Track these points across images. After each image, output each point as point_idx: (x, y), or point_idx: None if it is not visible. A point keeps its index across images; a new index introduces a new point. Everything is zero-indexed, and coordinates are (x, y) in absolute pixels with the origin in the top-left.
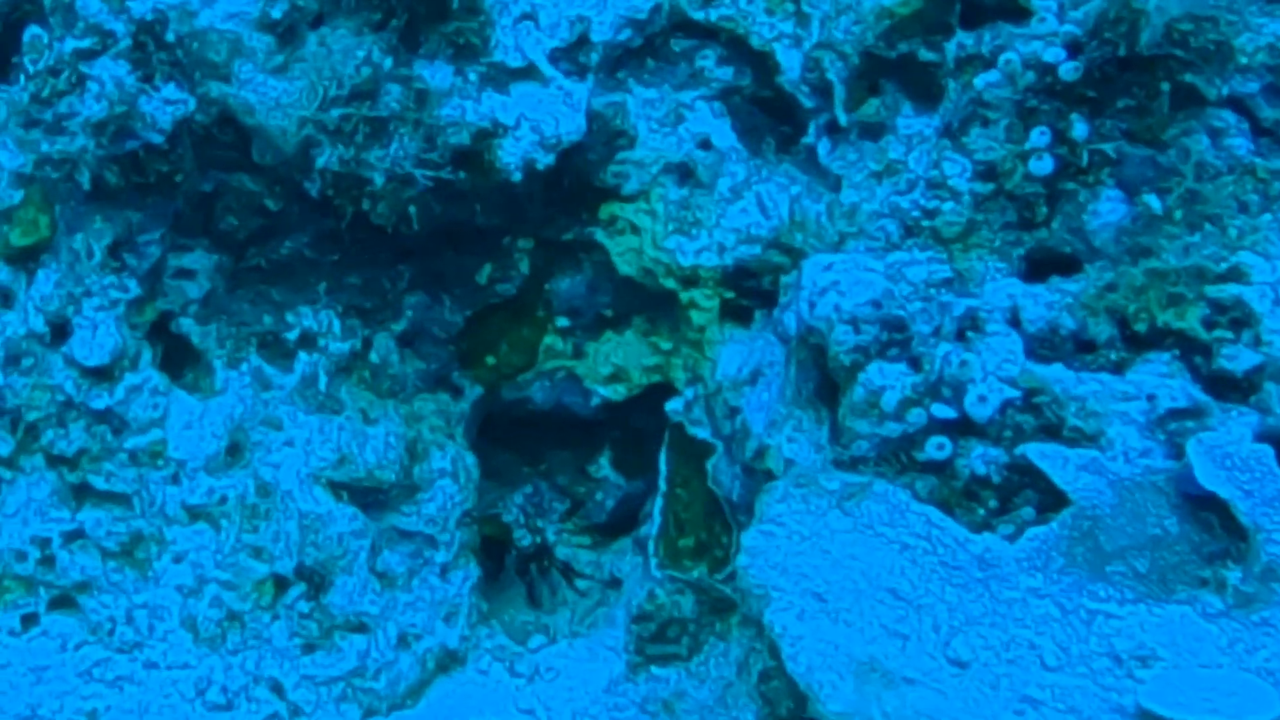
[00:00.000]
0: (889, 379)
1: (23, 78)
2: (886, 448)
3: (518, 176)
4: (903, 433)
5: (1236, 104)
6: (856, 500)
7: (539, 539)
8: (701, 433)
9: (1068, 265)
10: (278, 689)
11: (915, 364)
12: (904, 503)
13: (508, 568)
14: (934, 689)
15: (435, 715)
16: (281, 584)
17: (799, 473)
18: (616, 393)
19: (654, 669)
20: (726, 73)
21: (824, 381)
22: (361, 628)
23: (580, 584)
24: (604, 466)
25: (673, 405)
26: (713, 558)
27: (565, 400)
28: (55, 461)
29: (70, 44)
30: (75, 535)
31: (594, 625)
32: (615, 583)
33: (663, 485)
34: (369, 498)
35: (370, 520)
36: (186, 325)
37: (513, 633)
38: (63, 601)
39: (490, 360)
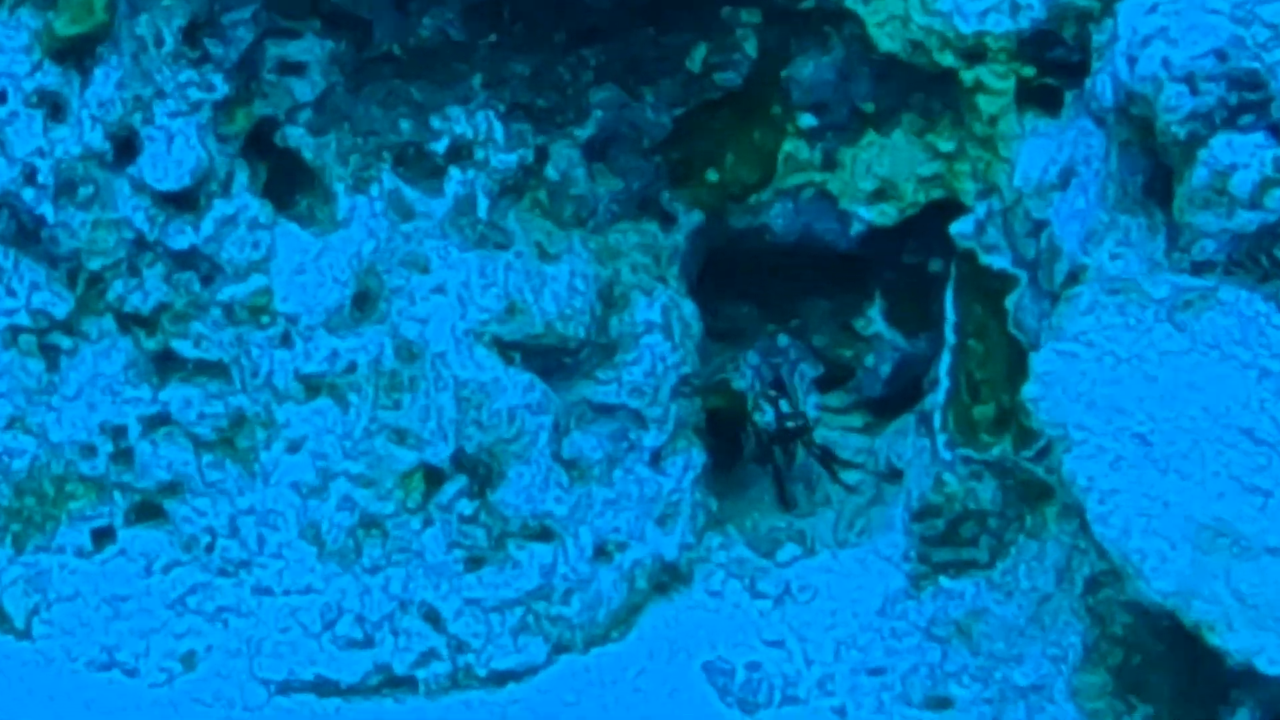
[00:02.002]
0: (1240, 154)
1: None
2: (1239, 246)
3: None
4: (1261, 224)
5: None
6: (1195, 311)
7: (788, 416)
8: (998, 261)
9: None
10: (433, 618)
11: (1277, 132)
12: (1262, 314)
13: (745, 455)
14: None
15: (649, 651)
16: (434, 478)
17: (1114, 276)
18: (884, 215)
19: (944, 580)
20: None
21: (1157, 171)
22: (545, 534)
23: (847, 476)
24: (874, 320)
25: (960, 227)
26: (1019, 429)
27: (816, 228)
28: (128, 323)
29: None
30: (158, 421)
31: (866, 531)
32: (894, 474)
33: (950, 336)
34: (550, 361)
35: (553, 391)
36: (295, 136)
37: (755, 541)
38: (145, 510)
39: (711, 176)
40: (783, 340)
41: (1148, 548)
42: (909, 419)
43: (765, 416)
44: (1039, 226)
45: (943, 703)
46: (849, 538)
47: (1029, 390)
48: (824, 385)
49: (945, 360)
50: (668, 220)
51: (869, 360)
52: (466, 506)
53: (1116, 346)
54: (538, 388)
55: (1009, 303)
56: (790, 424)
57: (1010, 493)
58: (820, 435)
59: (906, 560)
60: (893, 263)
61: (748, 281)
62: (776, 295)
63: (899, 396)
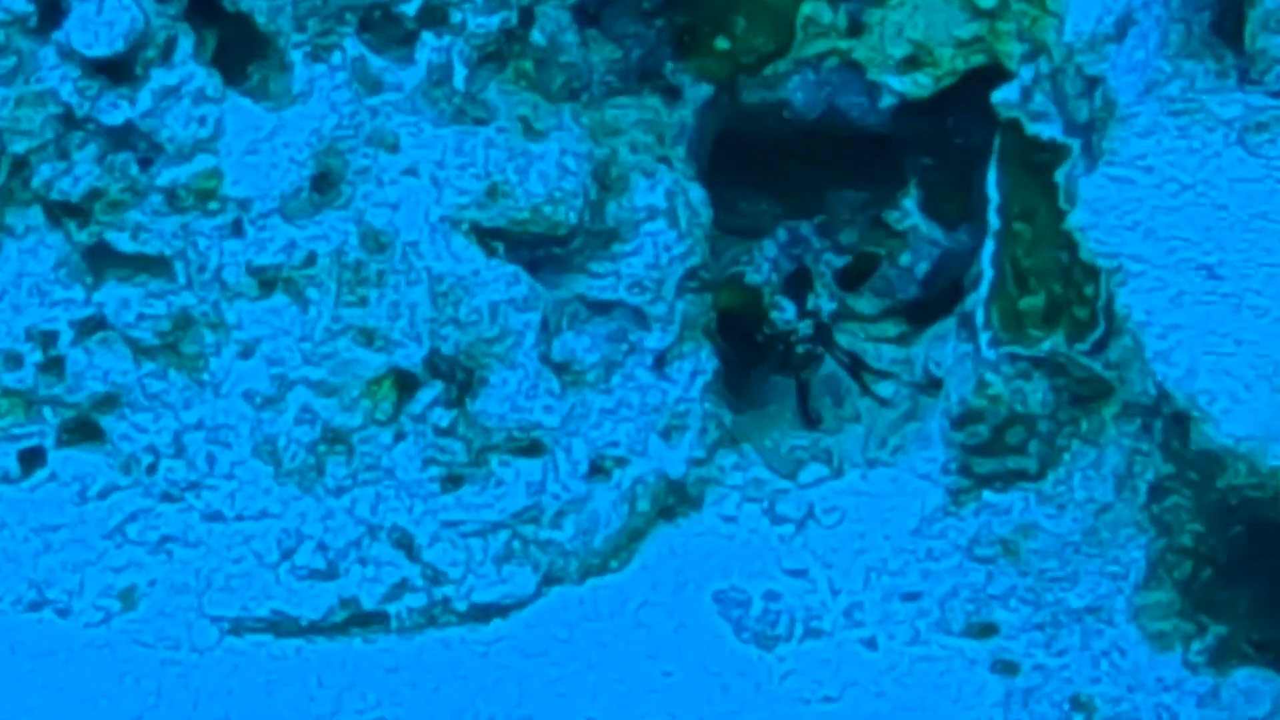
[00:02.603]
0: None
1: None
2: None
3: None
4: None
5: None
6: (1272, 134)
7: (812, 317)
8: (1047, 129)
9: None
10: (405, 544)
11: None
12: None
13: (764, 359)
14: None
15: (653, 581)
16: (406, 384)
17: (1175, 95)
18: (918, 86)
19: (988, 494)
20: None
21: (1228, 3)
22: (533, 449)
23: (880, 388)
24: (909, 211)
25: (1004, 94)
26: (1072, 321)
27: (840, 103)
28: (56, 213)
29: None
30: (92, 325)
31: (900, 449)
32: (933, 385)
33: (994, 220)
34: (538, 251)
35: (541, 285)
36: None
37: (774, 461)
38: (79, 428)
39: (721, 43)
40: (804, 229)
41: (1217, 388)
42: (949, 322)
43: (784, 315)
44: (1092, 85)
45: (987, 629)
46: (881, 456)
47: (1076, 217)
48: (853, 287)
49: (989, 248)
50: (672, 94)
51: (904, 258)
52: (443, 417)
53: (1179, 172)
54: (523, 281)
55: (1059, 176)
56: (815, 325)
57: (1062, 393)
58: (848, 344)
59: (945, 473)
60: (929, 143)
61: (763, 168)
62: (796, 184)
63: (938, 300)
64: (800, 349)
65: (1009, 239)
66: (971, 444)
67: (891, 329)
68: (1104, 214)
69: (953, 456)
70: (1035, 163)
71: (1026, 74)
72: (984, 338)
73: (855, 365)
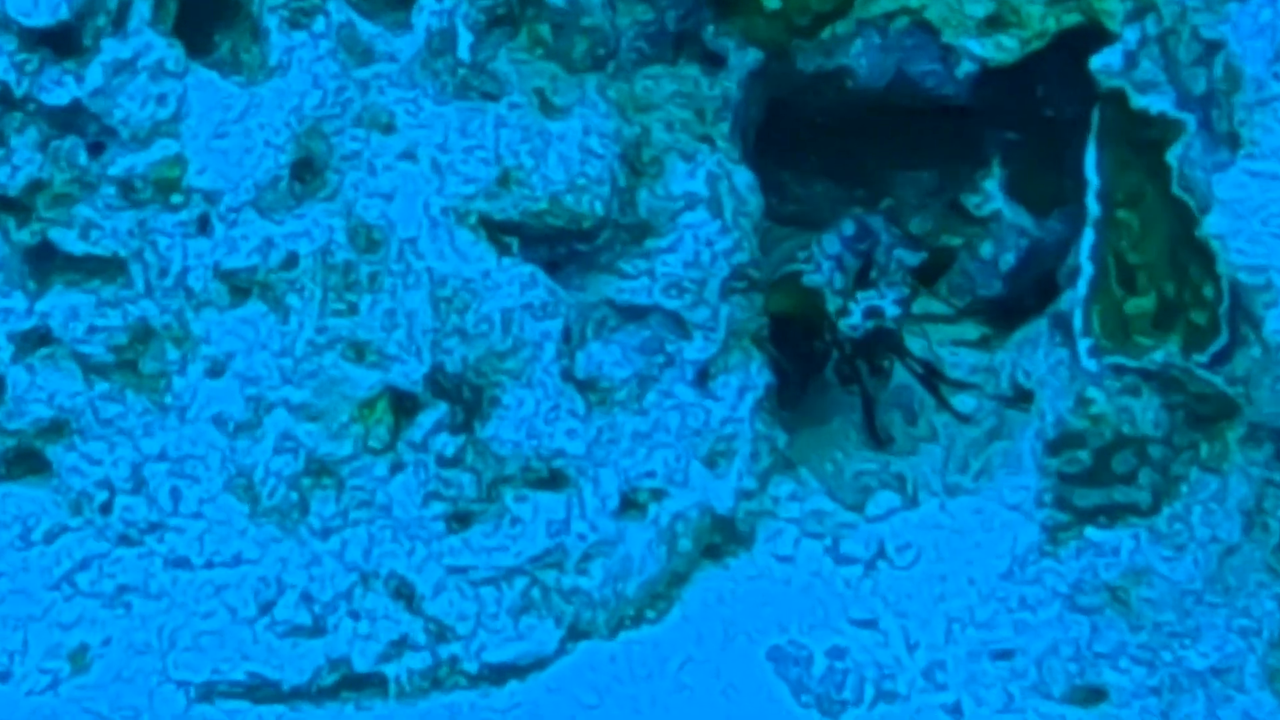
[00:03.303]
0: None
1: None
2: None
3: None
4: None
5: None
6: None
7: (877, 321)
8: (1157, 102)
9: None
10: (405, 594)
11: None
12: None
13: (823, 373)
14: None
15: (697, 634)
16: (405, 406)
17: None
18: (1003, 51)
19: (1091, 531)
20: None
21: None
22: (555, 481)
23: (959, 402)
24: (992, 195)
25: (1104, 60)
26: (1189, 327)
27: (911, 71)
28: None
29: None
30: (36, 339)
31: (985, 473)
32: (1022, 397)
33: (1094, 208)
34: (558, 248)
35: (562, 288)
36: None
37: (839, 489)
38: (21, 459)
39: (771, 1)
40: (873, 221)
41: None
42: (1040, 325)
43: (849, 320)
44: (1211, 50)
45: (1094, 694)
46: (962, 482)
47: (1213, 223)
48: (927, 284)
49: (1088, 240)
50: (713, 62)
51: (985, 249)
52: (448, 444)
53: None
54: (541, 284)
55: (1172, 157)
56: (882, 329)
57: (1178, 413)
58: (922, 351)
59: (1040, 506)
60: (1015, 116)
61: (821, 148)
62: (860, 165)
63: (1027, 297)
64: (866, 358)
65: (1113, 229)
66: (1071, 472)
67: (972, 331)
68: (1247, 219)
69: (1048, 486)
70: (1142, 140)
71: (1131, 36)
72: (1083, 345)
73: (930, 375)
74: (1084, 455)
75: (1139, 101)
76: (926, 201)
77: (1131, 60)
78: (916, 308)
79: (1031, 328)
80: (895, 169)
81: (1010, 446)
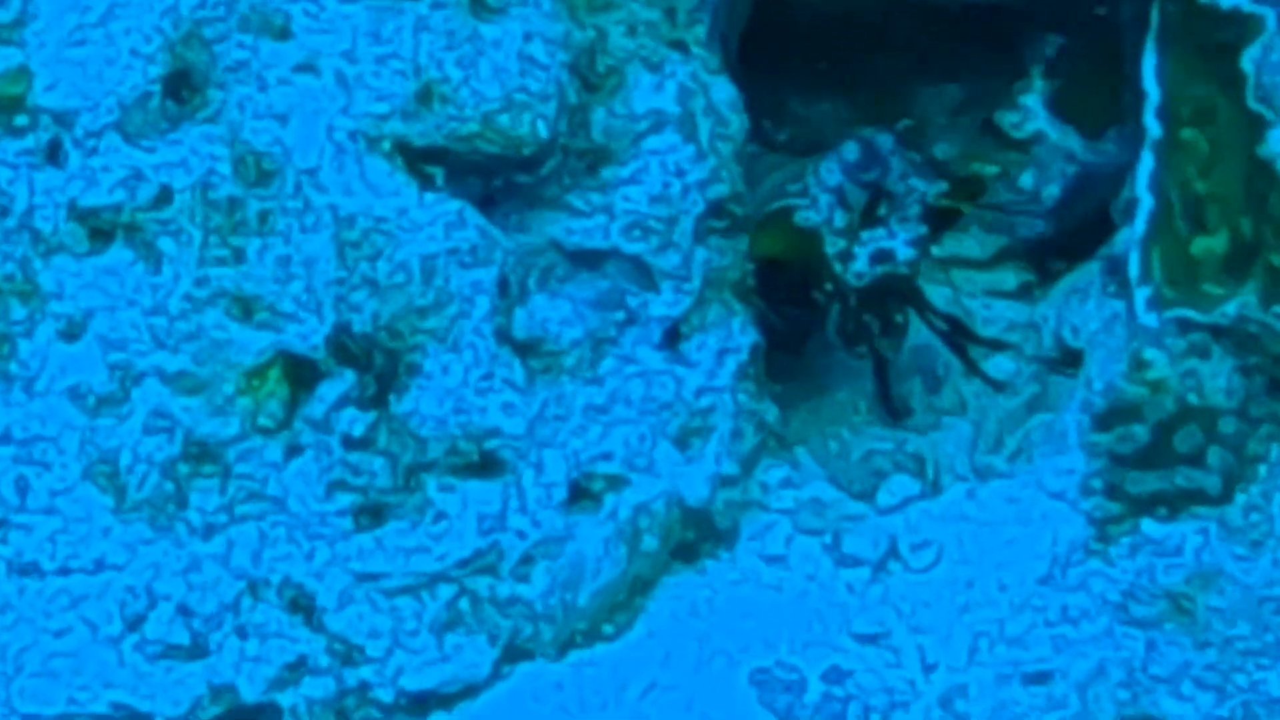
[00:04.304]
0: None
1: None
2: None
3: None
4: None
5: None
6: None
7: (888, 266)
8: None
9: None
10: (303, 606)
11: None
12: None
13: (824, 329)
14: None
15: (665, 652)
16: (303, 375)
17: None
18: None
19: (1148, 525)
20: None
21: None
22: (487, 466)
23: (992, 366)
24: (1033, 112)
25: None
26: (1269, 272)
27: None
28: None
29: None
30: None
31: (1022, 452)
32: (1068, 359)
33: (1153, 126)
34: (494, 180)
35: (497, 229)
36: None
37: (843, 473)
38: None
39: None
40: (883, 141)
41: None
42: (1091, 270)
43: (854, 266)
44: None
45: None
46: (995, 463)
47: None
48: (953, 222)
49: (1146, 165)
50: None
51: (1025, 178)
52: (355, 422)
53: None
54: (471, 224)
55: (1247, 62)
56: (895, 275)
57: (1256, 377)
58: (946, 303)
59: (1087, 494)
60: (1059, 15)
61: (823, 55)
62: (871, 77)
63: (1076, 236)
64: (875, 312)
65: (1177, 152)
66: (1124, 451)
67: (1009, 279)
68: None
69: (1097, 469)
70: (1212, 44)
71: None
72: (1141, 295)
73: (956, 333)
74: (1140, 430)
75: None
76: (953, 120)
77: None
78: (940, 250)
79: (1080, 274)
80: (914, 82)
81: (1054, 420)
